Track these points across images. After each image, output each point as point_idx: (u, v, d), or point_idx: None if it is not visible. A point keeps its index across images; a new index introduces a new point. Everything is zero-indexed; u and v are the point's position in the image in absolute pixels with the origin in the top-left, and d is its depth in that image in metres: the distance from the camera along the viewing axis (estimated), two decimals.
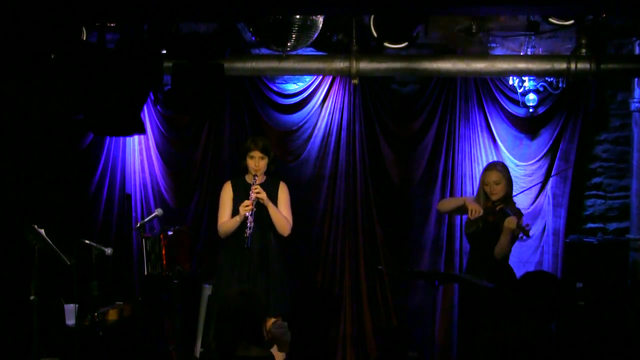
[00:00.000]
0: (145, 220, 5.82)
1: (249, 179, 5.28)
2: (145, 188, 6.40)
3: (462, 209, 5.37)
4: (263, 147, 5.20)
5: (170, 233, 5.64)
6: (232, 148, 6.33)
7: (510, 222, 5.03)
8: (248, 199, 5.15)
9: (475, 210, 5.19)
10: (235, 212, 5.20)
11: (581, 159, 6.22)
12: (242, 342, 3.44)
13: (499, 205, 5.19)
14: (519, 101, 6.17)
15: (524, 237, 5.26)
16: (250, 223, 5.09)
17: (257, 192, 5.14)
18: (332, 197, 6.29)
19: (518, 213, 5.25)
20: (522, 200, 5.87)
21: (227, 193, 5.32)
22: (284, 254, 5.40)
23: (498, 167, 5.33)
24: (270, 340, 4.06)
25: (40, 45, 4.03)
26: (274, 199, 5.26)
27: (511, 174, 6.03)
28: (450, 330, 6.19)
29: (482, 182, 5.31)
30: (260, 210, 5.18)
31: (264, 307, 3.69)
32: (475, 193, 6.11)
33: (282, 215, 5.25)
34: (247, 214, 5.09)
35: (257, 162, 5.20)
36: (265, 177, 5.30)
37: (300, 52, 5.60)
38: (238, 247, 5.18)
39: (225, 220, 5.24)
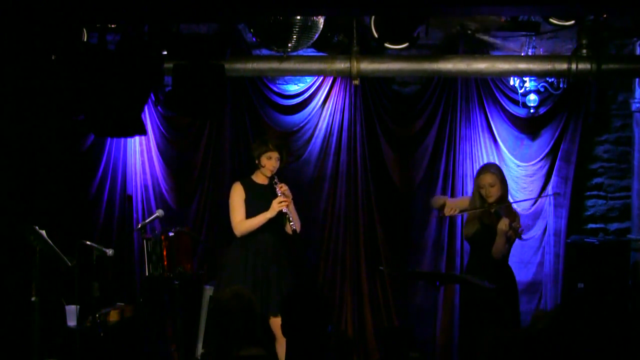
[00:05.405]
0: (147, 221, 5.81)
1: (257, 178, 5.32)
2: (146, 189, 6.40)
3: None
4: (279, 147, 5.29)
5: (171, 234, 5.63)
6: (233, 149, 6.33)
7: (502, 224, 5.07)
8: (261, 198, 5.21)
9: (451, 208, 5.29)
10: (250, 213, 5.23)
11: (582, 159, 6.22)
12: (238, 343, 3.43)
13: (493, 207, 5.21)
14: (519, 101, 6.17)
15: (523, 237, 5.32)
16: (289, 216, 5.17)
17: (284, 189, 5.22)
18: (333, 197, 6.28)
19: (512, 214, 5.28)
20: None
21: (238, 194, 5.32)
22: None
23: (492, 169, 5.34)
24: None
25: (41, 46, 4.03)
26: None
27: (512, 174, 6.05)
28: (451, 330, 6.18)
29: (477, 185, 5.32)
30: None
31: (257, 307, 3.69)
32: None
33: (295, 212, 5.34)
34: (283, 209, 5.15)
35: (274, 163, 5.26)
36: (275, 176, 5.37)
37: (301, 52, 5.59)
38: (253, 242, 5.22)
39: (243, 219, 5.25)
